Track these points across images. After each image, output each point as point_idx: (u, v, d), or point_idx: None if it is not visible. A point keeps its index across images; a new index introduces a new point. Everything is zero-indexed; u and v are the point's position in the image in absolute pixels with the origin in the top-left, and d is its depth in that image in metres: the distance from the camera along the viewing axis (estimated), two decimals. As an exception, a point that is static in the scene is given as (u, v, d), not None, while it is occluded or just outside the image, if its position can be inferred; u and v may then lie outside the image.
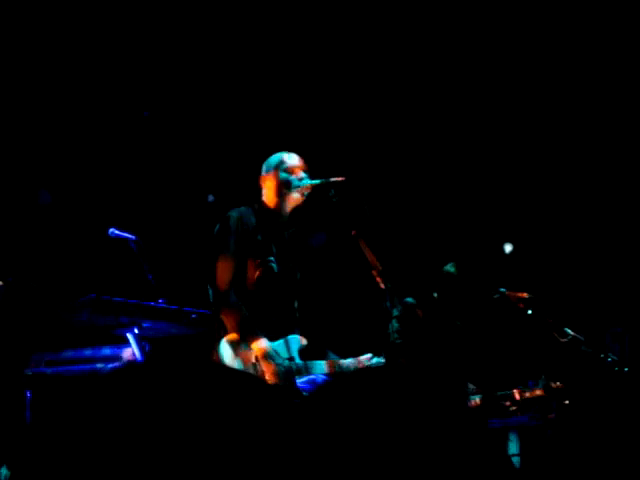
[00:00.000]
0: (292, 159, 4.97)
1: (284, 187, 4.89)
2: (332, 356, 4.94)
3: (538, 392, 6.26)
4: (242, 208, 4.91)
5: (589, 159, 8.62)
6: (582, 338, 6.07)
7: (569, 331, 6.07)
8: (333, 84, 8.27)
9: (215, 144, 7.92)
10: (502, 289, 6.26)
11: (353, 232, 4.60)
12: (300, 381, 4.64)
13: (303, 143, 8.04)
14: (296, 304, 4.97)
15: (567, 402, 6.24)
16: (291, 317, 4.91)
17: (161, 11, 7.46)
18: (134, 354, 5.08)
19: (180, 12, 7.54)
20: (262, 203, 4.97)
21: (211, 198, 7.12)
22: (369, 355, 4.88)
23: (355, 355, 4.90)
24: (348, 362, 4.85)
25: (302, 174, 4.89)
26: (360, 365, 4.83)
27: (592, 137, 8.55)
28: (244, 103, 8.05)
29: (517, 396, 6.28)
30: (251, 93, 8.04)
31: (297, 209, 4.94)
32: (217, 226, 4.85)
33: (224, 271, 4.70)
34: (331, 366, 4.79)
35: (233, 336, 4.59)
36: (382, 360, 4.85)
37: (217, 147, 7.88)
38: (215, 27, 7.72)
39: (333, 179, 4.73)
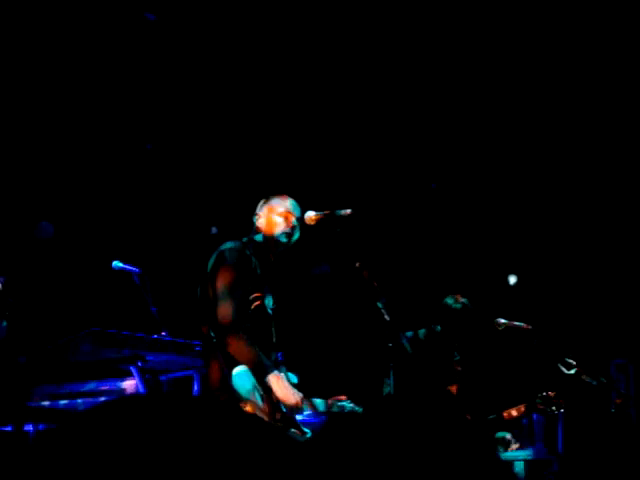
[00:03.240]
0: (287, 204, 4.99)
1: (275, 230, 4.93)
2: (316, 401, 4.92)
3: (522, 408, 6.28)
4: (237, 243, 4.90)
5: (592, 191, 8.63)
6: (588, 372, 6.05)
7: (574, 363, 6.06)
8: (338, 116, 8.30)
9: (219, 177, 7.93)
10: (506, 320, 6.24)
11: (357, 264, 4.59)
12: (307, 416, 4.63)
13: (307, 176, 8.09)
14: (285, 339, 4.96)
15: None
16: (283, 352, 4.90)
17: (164, 45, 7.50)
18: (137, 388, 5.05)
19: (182, 47, 7.58)
20: (254, 238, 4.98)
21: (214, 230, 7.11)
22: (343, 397, 4.88)
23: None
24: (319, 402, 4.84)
25: (294, 222, 4.92)
26: (329, 404, 4.83)
27: (595, 166, 8.56)
28: (248, 137, 8.07)
29: (505, 415, 6.29)
30: (256, 127, 8.06)
31: (290, 247, 4.98)
32: (213, 260, 4.84)
33: (229, 301, 4.68)
34: (330, 405, 4.79)
35: (244, 366, 4.56)
36: (354, 407, 4.86)
37: (220, 180, 7.89)
38: (215, 60, 7.76)
39: (338, 211, 4.72)
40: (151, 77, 7.56)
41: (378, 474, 1.41)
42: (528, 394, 6.57)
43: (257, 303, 4.77)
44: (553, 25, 7.88)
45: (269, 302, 4.87)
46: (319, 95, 8.16)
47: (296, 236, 4.95)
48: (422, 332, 6.38)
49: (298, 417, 4.63)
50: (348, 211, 4.68)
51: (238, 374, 4.52)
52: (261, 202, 5.06)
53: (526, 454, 6.85)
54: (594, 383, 6.12)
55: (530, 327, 6.17)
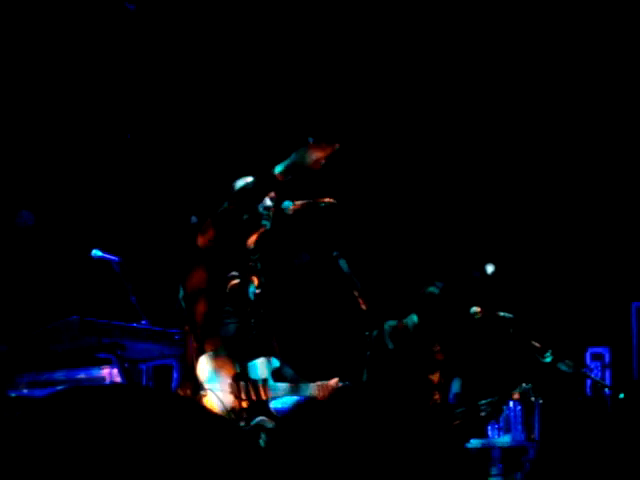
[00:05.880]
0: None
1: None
2: (285, 369, 4.92)
3: (515, 396, 6.34)
4: None
5: (567, 180, 8.69)
6: (563, 358, 6.11)
7: (550, 351, 6.11)
8: (315, 101, 8.31)
9: (199, 166, 7.94)
10: (484, 309, 6.28)
11: (335, 253, 4.63)
12: (281, 402, 4.66)
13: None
14: (267, 324, 4.98)
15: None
16: (263, 337, 4.91)
17: (143, 35, 7.50)
18: (117, 376, 5.09)
19: (157, 37, 7.58)
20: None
21: (194, 219, 7.12)
22: (336, 379, 4.88)
23: (327, 377, 4.92)
24: (312, 386, 4.85)
25: (268, 202, 4.89)
26: (327, 389, 4.83)
27: (569, 159, 8.62)
28: (226, 125, 8.08)
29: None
30: (233, 114, 8.07)
31: (267, 233, 4.98)
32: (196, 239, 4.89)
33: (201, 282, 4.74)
34: (294, 390, 4.81)
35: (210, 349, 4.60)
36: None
37: (201, 169, 7.90)
38: (195, 53, 7.77)
39: (318, 200, 4.75)
40: (131, 66, 7.56)
41: (343, 462, 1.45)
42: (506, 382, 6.62)
43: (234, 282, 4.78)
44: (552, 25, 7.91)
45: (250, 286, 4.88)
46: (297, 83, 8.18)
47: (271, 217, 4.92)
48: (406, 321, 6.40)
49: (271, 404, 4.66)
50: (327, 199, 4.71)
51: (207, 358, 4.56)
52: (233, 187, 5.06)
53: (503, 441, 6.92)
54: (570, 371, 6.18)
55: (507, 316, 6.22)
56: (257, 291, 4.89)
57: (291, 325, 5.36)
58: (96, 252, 5.53)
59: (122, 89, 7.63)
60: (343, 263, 4.59)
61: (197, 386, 4.50)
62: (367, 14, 7.84)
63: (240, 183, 4.99)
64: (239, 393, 4.51)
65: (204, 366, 4.55)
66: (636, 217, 8.61)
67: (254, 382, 4.58)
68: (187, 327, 4.78)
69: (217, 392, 4.48)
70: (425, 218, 8.80)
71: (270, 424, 4.53)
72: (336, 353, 7.62)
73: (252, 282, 4.88)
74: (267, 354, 4.81)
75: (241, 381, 4.53)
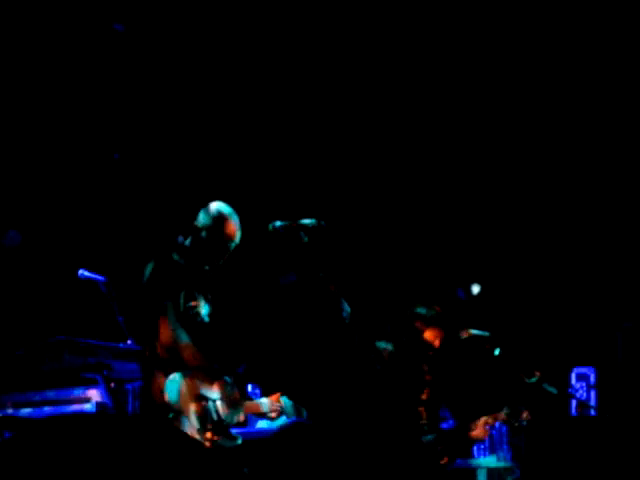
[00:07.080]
0: (230, 222, 5.04)
1: (215, 247, 4.98)
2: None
3: (500, 417, 6.34)
4: (174, 255, 5.00)
5: (556, 201, 8.73)
6: (549, 380, 6.12)
7: (536, 372, 6.13)
8: (304, 127, 8.35)
9: (185, 187, 7.96)
10: (470, 330, 6.30)
11: (321, 274, 4.65)
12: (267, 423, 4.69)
13: (273, 184, 8.14)
14: (223, 345, 5.02)
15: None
16: (219, 358, 4.95)
17: (130, 55, 7.53)
18: (102, 396, 5.08)
19: (143, 58, 7.62)
20: (193, 248, 5.06)
21: (181, 239, 7.13)
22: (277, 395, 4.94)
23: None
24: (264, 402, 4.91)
25: (234, 242, 4.96)
26: (273, 406, 4.87)
27: (555, 179, 8.67)
28: (214, 146, 8.11)
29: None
30: (221, 138, 8.10)
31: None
32: (152, 265, 4.93)
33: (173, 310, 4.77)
34: (249, 408, 4.85)
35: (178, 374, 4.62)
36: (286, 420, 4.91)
37: (187, 189, 7.92)
38: (183, 69, 7.81)
39: (303, 221, 4.77)
40: (118, 85, 7.59)
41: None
42: (492, 403, 6.62)
43: (195, 310, 4.83)
44: (552, 25, 7.93)
45: (204, 310, 4.92)
46: (282, 104, 8.21)
47: (232, 247, 5.00)
48: (390, 344, 6.40)
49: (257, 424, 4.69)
50: (313, 221, 4.73)
51: (171, 381, 4.57)
52: (204, 210, 5.12)
53: (489, 461, 6.92)
54: (555, 392, 6.19)
55: (492, 336, 6.24)
56: (210, 314, 4.94)
57: (277, 345, 5.38)
58: (83, 272, 5.54)
59: (108, 109, 7.65)
60: (330, 284, 4.61)
61: (166, 408, 4.51)
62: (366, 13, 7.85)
63: (203, 217, 5.05)
64: (204, 413, 4.54)
65: (171, 388, 4.56)
66: (622, 239, 8.66)
67: (214, 402, 4.61)
68: (147, 351, 4.80)
69: (188, 413, 4.50)
70: (411, 238, 8.83)
71: (229, 444, 4.56)
72: (321, 372, 7.62)
73: (206, 305, 4.92)
74: (224, 374, 4.86)
75: (204, 401, 4.56)
